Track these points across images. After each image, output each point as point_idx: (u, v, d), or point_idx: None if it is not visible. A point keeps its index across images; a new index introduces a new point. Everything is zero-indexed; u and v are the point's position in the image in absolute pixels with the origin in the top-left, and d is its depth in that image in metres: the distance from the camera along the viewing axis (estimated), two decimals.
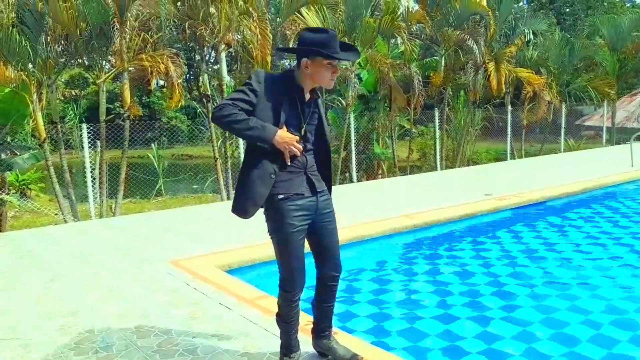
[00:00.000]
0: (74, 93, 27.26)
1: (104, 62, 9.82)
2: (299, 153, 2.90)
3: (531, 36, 14.97)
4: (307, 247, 3.07)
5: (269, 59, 9.07)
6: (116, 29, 8.59)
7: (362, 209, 7.64)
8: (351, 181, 12.44)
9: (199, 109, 18.55)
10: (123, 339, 3.57)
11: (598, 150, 15.53)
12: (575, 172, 10.41)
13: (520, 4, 17.48)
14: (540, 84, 14.24)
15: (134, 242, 6.23)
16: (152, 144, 18.41)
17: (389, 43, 13.76)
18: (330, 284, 3.17)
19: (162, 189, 16.84)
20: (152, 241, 6.23)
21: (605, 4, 38.16)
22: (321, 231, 3.09)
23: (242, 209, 2.96)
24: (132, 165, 14.68)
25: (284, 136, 2.85)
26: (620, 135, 20.20)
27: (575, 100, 17.91)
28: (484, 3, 12.71)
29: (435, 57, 15.44)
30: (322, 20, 10.93)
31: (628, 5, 38.30)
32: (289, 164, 2.92)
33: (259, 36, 8.70)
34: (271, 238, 3.04)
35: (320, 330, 3.25)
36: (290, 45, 10.85)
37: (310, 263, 3.11)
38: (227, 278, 4.93)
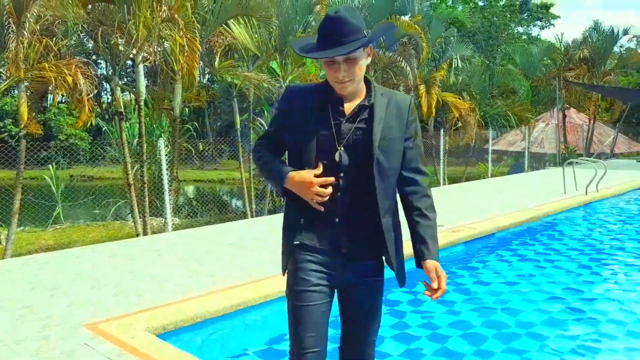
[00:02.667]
0: None
1: None
2: (325, 196, 2.09)
3: (459, 62, 15.04)
4: None
5: (196, 72, 8.04)
6: (11, 31, 7.18)
7: None
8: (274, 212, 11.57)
9: (105, 127, 16.83)
10: None
11: (522, 175, 15.75)
12: (513, 199, 10.20)
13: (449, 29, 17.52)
14: (466, 108, 14.23)
15: (35, 295, 4.92)
16: (50, 165, 16.42)
17: (319, 63, 13.15)
18: None
19: (61, 215, 14.99)
20: (59, 294, 4.95)
21: (505, 34, 40.47)
22: (350, 304, 2.27)
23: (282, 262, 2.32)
24: (23, 187, 12.86)
25: (297, 180, 2.06)
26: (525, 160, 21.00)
27: (492, 125, 18.26)
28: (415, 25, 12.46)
29: None
30: (251, 34, 10.07)
31: (524, 37, 40.91)
32: (321, 209, 2.12)
33: (187, 47, 7.65)
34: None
35: None
36: (217, 59, 9.89)
37: None
38: (163, 347, 3.83)
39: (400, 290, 5.47)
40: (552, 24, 45.05)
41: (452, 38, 14.88)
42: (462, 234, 7.26)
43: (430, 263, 2.16)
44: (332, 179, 2.08)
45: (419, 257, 2.20)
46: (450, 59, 14.57)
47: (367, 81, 2.20)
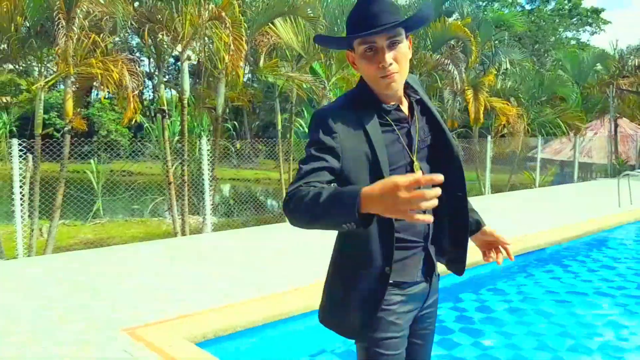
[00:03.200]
0: (4, 100, 24.90)
1: (42, 66, 8.36)
2: (432, 198, 1.35)
3: (508, 65, 14.52)
4: None
5: (241, 71, 7.91)
6: (61, 26, 7.18)
7: None
8: None
9: (146, 124, 16.99)
10: None
11: (571, 186, 15.15)
12: (564, 211, 9.74)
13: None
14: (514, 115, 13.73)
15: (77, 296, 4.84)
16: (92, 160, 16.68)
17: None
18: None
19: (101, 210, 15.18)
20: (98, 295, 4.86)
21: (553, 39, 39.36)
22: (416, 330, 1.96)
23: (344, 325, 1.86)
24: (65, 181, 13.03)
25: (378, 191, 1.36)
26: (571, 169, 20.22)
27: (540, 132, 17.66)
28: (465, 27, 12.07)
29: None
30: (296, 33, 9.91)
31: (572, 42, 39.73)
32: (430, 220, 1.38)
33: (232, 46, 7.53)
34: (355, 342, 1.89)
35: None
36: (262, 59, 9.74)
37: None
38: (203, 357, 3.69)
39: (448, 307, 5.20)
40: (602, 30, 43.63)
41: (498, 42, 14.36)
42: (514, 247, 6.89)
43: (489, 227, 2.04)
44: (439, 176, 1.37)
45: (476, 226, 2.03)
46: (500, 63, 14.05)
47: None
